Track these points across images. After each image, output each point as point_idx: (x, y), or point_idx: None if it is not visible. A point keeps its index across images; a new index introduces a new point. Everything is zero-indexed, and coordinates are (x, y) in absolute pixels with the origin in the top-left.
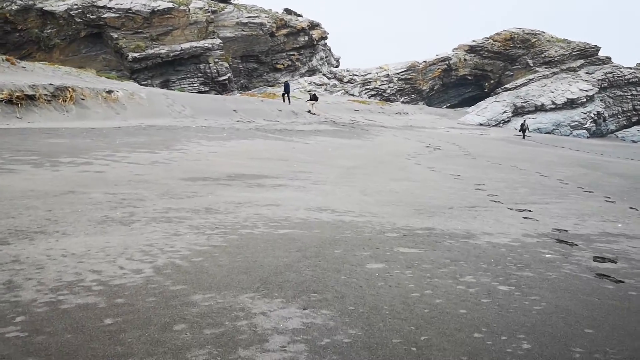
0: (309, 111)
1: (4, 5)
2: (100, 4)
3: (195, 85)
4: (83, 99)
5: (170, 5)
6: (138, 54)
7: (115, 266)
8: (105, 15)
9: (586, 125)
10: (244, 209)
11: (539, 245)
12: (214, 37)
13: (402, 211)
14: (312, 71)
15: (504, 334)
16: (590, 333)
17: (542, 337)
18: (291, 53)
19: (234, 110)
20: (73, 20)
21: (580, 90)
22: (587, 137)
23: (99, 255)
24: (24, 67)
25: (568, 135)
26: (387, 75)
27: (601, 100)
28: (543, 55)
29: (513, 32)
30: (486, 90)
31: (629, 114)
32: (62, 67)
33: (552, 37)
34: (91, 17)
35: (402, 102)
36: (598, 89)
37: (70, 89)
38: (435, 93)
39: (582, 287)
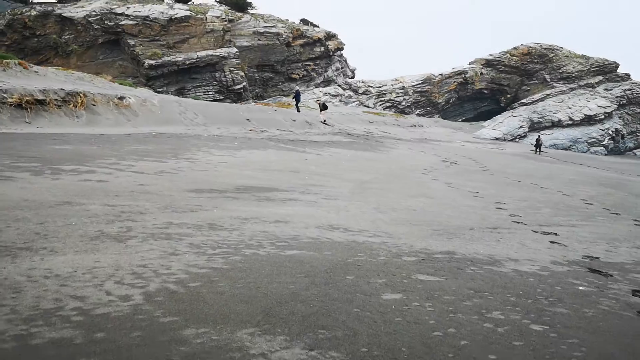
0: (324, 121)
1: (24, 10)
2: (118, 11)
3: (210, 93)
4: (94, 105)
5: (187, 13)
6: (154, 61)
7: (102, 291)
8: (122, 22)
9: (604, 143)
10: (250, 225)
11: (571, 275)
12: (230, 46)
13: (420, 231)
14: (328, 82)
15: None
16: None
17: None
18: (307, 63)
19: (247, 120)
20: (91, 27)
21: (599, 106)
22: (605, 155)
23: (85, 277)
24: (37, 72)
25: (585, 152)
26: (403, 88)
27: (619, 117)
28: (561, 71)
29: (531, 47)
30: (502, 105)
31: None
32: (75, 73)
33: (570, 53)
34: (109, 24)
35: (417, 114)
36: (617, 106)
37: (81, 95)
38: (450, 106)
39: (624, 328)
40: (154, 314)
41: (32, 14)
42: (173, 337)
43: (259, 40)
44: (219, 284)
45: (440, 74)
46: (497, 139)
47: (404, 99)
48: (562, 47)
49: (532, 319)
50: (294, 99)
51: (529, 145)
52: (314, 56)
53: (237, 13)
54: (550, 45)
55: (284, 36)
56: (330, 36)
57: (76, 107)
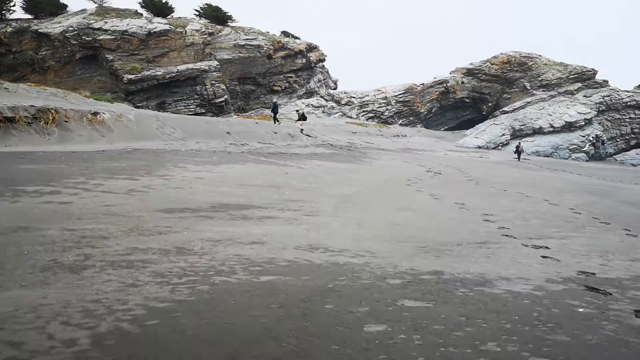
0: (302, 131)
1: None
2: (96, 26)
3: (191, 107)
4: (66, 121)
5: (166, 27)
6: (133, 76)
7: (44, 335)
8: (100, 37)
9: (585, 149)
10: (223, 248)
11: (568, 294)
12: (211, 59)
13: (405, 249)
14: (310, 93)
15: None
16: None
17: None
18: (289, 75)
19: (227, 133)
20: (68, 42)
21: (579, 113)
22: (586, 161)
23: (27, 317)
24: (7, 89)
25: (567, 159)
26: (385, 98)
27: (599, 123)
28: (540, 79)
29: (510, 55)
30: (484, 113)
31: (627, 137)
32: (48, 89)
33: (549, 61)
34: (87, 39)
35: (400, 124)
36: (596, 112)
37: (53, 111)
38: (432, 115)
39: (632, 357)
40: None
41: (8, 30)
42: None
43: (239, 52)
44: (181, 320)
45: (422, 84)
46: (480, 147)
47: (387, 109)
48: (540, 55)
49: (531, 350)
50: (272, 112)
51: (511, 153)
52: (295, 68)
53: (217, 26)
54: (529, 54)
55: (265, 48)
56: (311, 48)
57: (47, 124)
